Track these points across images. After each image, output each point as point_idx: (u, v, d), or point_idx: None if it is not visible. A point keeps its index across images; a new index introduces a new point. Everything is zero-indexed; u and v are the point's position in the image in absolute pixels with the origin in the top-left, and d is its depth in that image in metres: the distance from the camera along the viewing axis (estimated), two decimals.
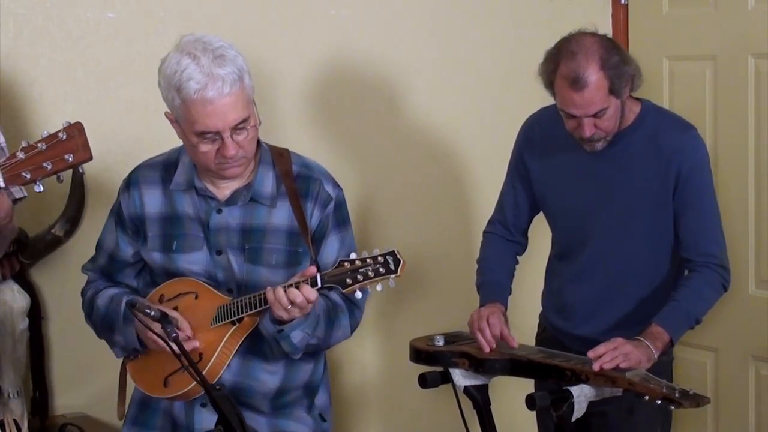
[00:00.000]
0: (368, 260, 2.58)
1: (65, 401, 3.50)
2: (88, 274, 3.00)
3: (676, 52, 4.07)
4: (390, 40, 3.92)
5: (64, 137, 2.32)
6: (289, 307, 2.62)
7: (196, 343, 2.73)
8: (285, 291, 2.61)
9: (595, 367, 2.80)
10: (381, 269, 2.57)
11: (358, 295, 2.61)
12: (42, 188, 2.33)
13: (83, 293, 2.99)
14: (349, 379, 4.00)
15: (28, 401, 3.38)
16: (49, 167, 2.31)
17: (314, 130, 3.83)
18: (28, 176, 2.31)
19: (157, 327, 2.54)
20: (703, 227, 3.04)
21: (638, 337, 2.90)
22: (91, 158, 2.35)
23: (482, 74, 4.09)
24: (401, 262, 2.57)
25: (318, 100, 3.84)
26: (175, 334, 2.47)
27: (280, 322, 2.69)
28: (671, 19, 4.07)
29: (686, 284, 3.03)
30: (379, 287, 2.59)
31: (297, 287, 2.61)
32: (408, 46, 3.95)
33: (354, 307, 2.86)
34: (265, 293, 2.65)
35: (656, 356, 2.90)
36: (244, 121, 2.67)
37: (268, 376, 2.85)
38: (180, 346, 2.46)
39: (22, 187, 2.37)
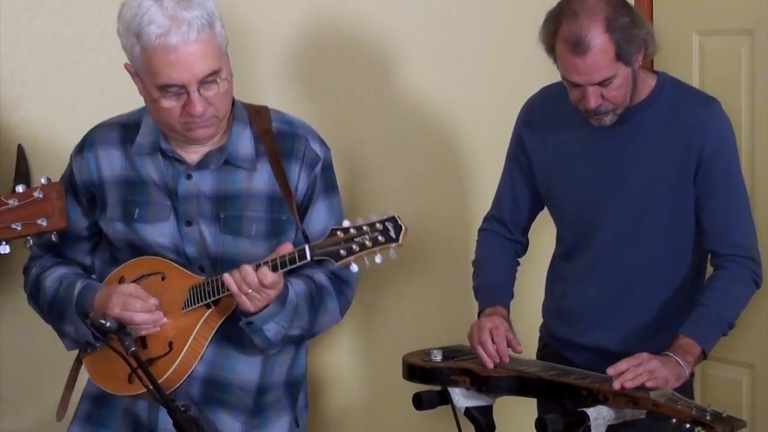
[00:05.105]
0: (365, 228, 2.44)
1: (10, 424, 3.40)
2: (32, 249, 2.82)
3: (707, 26, 3.92)
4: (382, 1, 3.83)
5: (41, 197, 2.30)
6: (250, 291, 2.50)
7: (165, 320, 2.62)
8: (241, 273, 2.49)
9: (616, 385, 2.68)
10: (380, 237, 2.42)
11: (354, 268, 2.46)
12: (8, 250, 2.31)
13: (26, 270, 2.85)
14: (328, 397, 3.84)
15: None
16: (18, 229, 2.29)
17: (297, 90, 3.69)
18: None
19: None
20: (729, 214, 2.94)
21: (666, 352, 2.78)
22: (65, 227, 2.33)
23: (482, 42, 3.97)
24: (403, 228, 2.43)
25: (303, 61, 3.72)
26: (134, 348, 2.40)
27: (249, 312, 2.58)
28: None
29: (713, 285, 2.92)
30: (378, 259, 2.44)
31: (275, 269, 2.49)
32: (402, 8, 3.84)
33: (343, 285, 2.75)
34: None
35: (687, 373, 2.78)
36: (214, 73, 2.53)
37: (246, 368, 2.72)
38: (139, 361, 2.39)
39: None
